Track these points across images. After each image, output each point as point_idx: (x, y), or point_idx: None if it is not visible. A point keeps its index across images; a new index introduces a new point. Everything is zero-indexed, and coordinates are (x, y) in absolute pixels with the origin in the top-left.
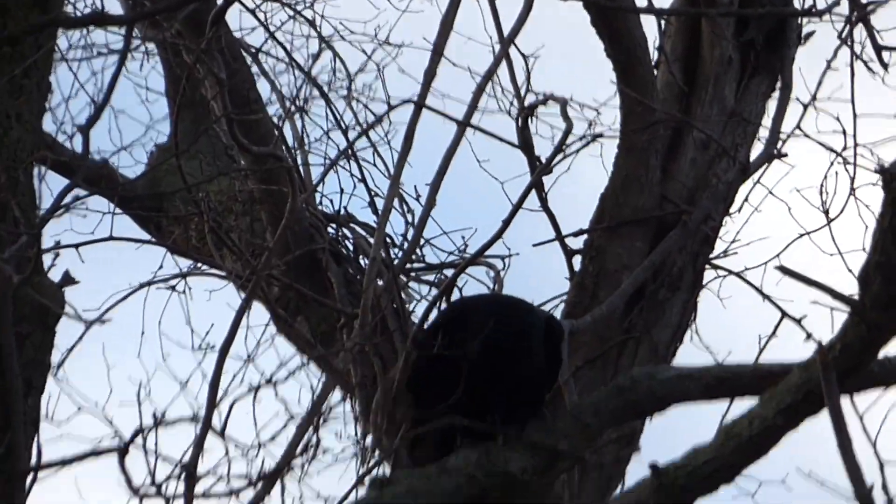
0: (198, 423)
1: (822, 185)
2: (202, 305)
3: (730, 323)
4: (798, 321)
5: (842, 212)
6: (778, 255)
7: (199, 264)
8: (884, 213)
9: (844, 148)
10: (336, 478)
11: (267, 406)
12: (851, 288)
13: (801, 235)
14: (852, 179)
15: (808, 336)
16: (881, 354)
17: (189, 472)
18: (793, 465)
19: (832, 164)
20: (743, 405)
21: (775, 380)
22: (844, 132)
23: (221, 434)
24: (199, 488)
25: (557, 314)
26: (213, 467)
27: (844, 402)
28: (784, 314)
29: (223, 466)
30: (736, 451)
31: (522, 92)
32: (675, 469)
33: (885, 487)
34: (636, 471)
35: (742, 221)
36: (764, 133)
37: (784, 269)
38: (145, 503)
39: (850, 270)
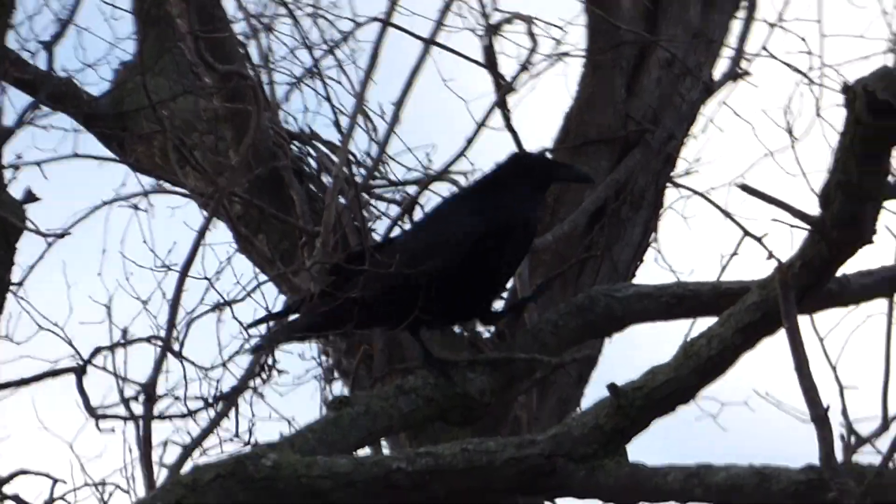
0: (157, 343)
1: (787, 106)
2: (164, 224)
3: (692, 242)
4: (759, 239)
5: (806, 133)
6: (741, 176)
7: (162, 182)
8: (846, 132)
9: (810, 68)
10: (298, 398)
11: (227, 326)
12: (815, 208)
13: (765, 155)
14: (818, 100)
15: (770, 255)
16: (840, 273)
17: (147, 394)
18: (750, 387)
19: (798, 84)
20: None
21: (735, 298)
22: (811, 52)
23: (180, 355)
24: (158, 409)
25: None
26: (172, 388)
27: (803, 321)
28: (746, 233)
29: (182, 388)
30: (695, 371)
31: (488, 10)
32: (634, 389)
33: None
34: (594, 392)
35: (706, 141)
36: (729, 53)
37: (746, 188)
38: (102, 424)
39: (814, 191)
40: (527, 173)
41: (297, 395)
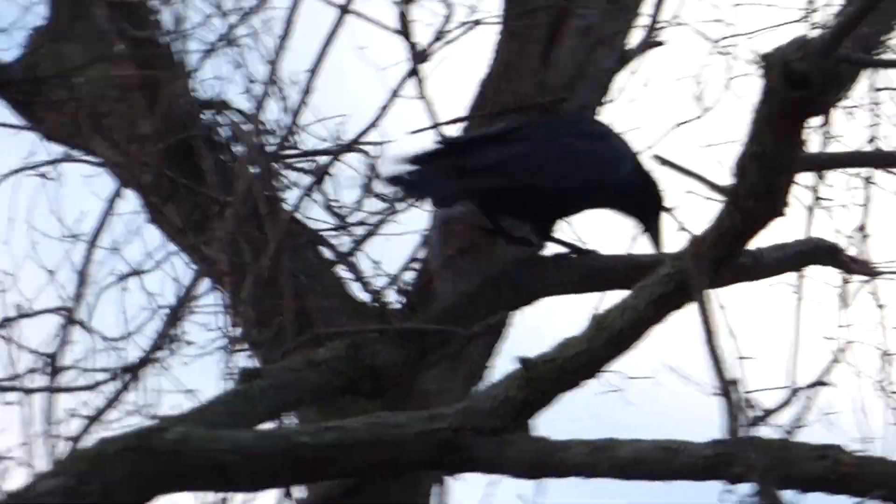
0: (63, 313)
1: (698, 75)
2: (75, 194)
3: (604, 214)
4: (670, 211)
5: (717, 102)
6: (651, 146)
7: (73, 151)
8: (761, 102)
9: (722, 37)
10: (201, 370)
11: (134, 297)
12: (727, 179)
13: (676, 126)
14: (729, 69)
15: (681, 227)
16: (753, 246)
17: (52, 365)
18: (658, 360)
19: (710, 53)
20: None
21: (648, 271)
22: (723, 21)
23: (86, 325)
24: (62, 381)
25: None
26: (77, 360)
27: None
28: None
29: (88, 359)
30: (607, 343)
31: None
32: (545, 362)
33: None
34: (504, 365)
35: (619, 111)
36: (644, 21)
37: (660, 159)
38: (4, 397)
39: (723, 162)
40: None
41: (202, 367)
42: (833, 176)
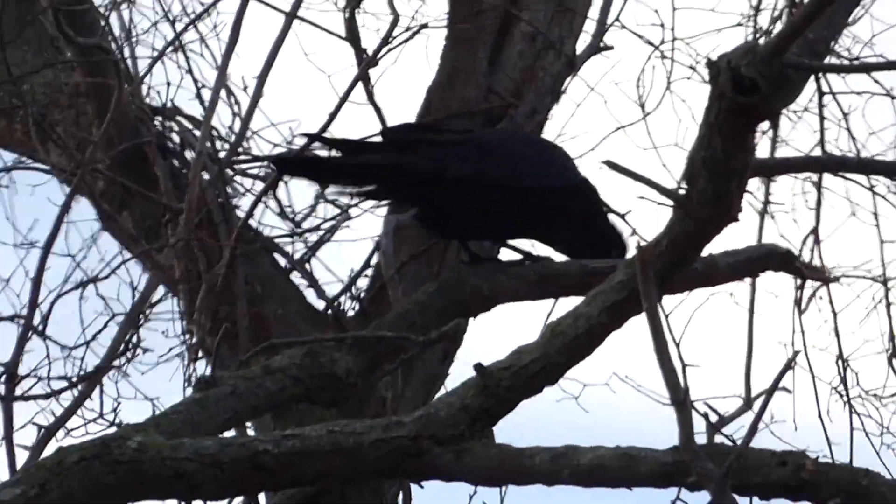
0: (19, 322)
1: (639, 79)
2: (26, 202)
3: None
4: (623, 216)
5: (658, 106)
6: (593, 149)
7: (24, 158)
8: (710, 108)
9: (662, 41)
10: (160, 377)
11: (90, 305)
12: (670, 183)
13: (617, 129)
14: (669, 73)
15: (633, 231)
16: (706, 252)
17: (9, 373)
18: (612, 369)
19: (650, 57)
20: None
21: (603, 278)
22: (663, 25)
23: (42, 333)
24: (20, 390)
25: (383, 211)
26: (34, 368)
27: (668, 301)
28: (609, 209)
29: (45, 367)
30: (561, 350)
31: None
32: (500, 370)
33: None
34: (460, 371)
35: (567, 115)
36: (590, 26)
37: (611, 164)
38: None
39: (664, 166)
40: None
41: (161, 374)
42: (783, 181)
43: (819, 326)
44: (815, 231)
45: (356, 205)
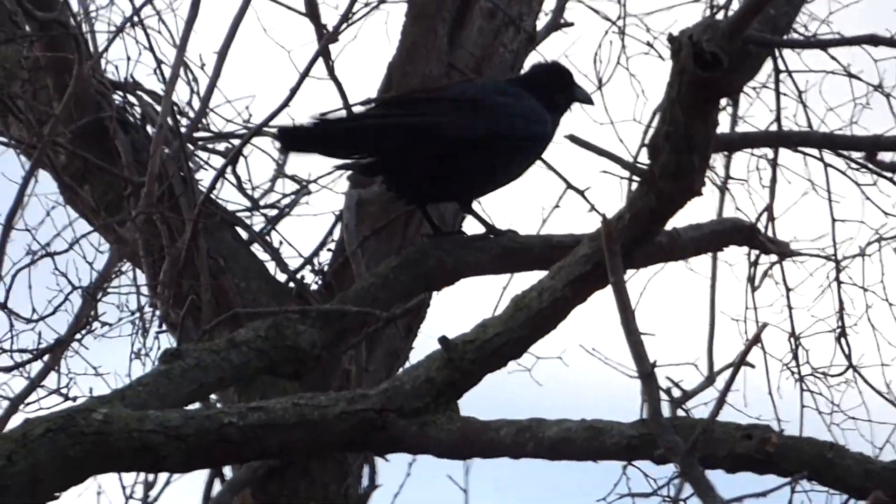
0: None
1: (595, 55)
2: None
3: (514, 195)
4: (582, 192)
5: (609, 79)
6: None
7: None
8: (672, 83)
9: (619, 17)
10: (116, 351)
11: (51, 278)
12: (628, 157)
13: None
14: (623, 49)
15: (592, 208)
16: (669, 226)
17: None
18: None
19: (606, 32)
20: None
21: (567, 251)
22: (619, 1)
23: (5, 306)
24: None
25: (344, 186)
26: None
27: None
28: (568, 185)
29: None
30: (525, 323)
31: None
32: (465, 343)
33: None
34: (424, 344)
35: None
36: (550, 3)
37: (574, 139)
38: None
39: (621, 140)
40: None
41: (120, 347)
42: (739, 158)
43: (771, 304)
44: (769, 208)
45: (315, 180)
